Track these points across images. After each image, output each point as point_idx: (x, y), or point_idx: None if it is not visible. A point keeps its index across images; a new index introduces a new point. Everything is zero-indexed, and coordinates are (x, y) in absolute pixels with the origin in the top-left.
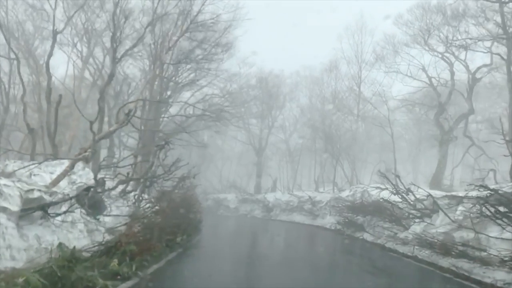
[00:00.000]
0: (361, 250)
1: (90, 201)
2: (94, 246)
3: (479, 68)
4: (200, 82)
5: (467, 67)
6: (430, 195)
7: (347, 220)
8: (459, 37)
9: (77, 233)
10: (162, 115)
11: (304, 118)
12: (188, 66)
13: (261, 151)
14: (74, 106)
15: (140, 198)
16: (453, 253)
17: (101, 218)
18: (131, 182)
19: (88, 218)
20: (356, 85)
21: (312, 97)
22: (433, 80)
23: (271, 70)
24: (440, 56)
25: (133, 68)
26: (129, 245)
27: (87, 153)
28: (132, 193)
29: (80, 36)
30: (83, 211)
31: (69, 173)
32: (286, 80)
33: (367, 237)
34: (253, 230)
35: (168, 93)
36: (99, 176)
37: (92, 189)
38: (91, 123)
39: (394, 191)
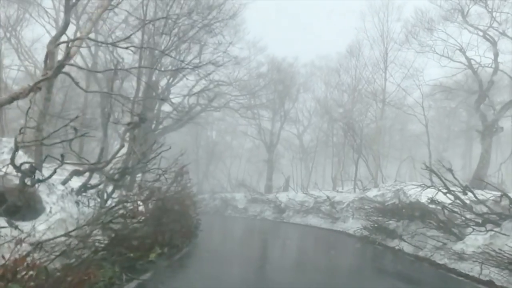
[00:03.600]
0: (408, 269)
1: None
2: None
3: None
4: (204, 63)
5: None
6: (505, 194)
7: (376, 225)
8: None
9: None
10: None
11: (320, 110)
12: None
13: (273, 147)
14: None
15: (105, 195)
16: None
17: (30, 225)
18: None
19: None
20: (382, 69)
21: (329, 85)
22: (472, 62)
23: (285, 58)
24: (481, 34)
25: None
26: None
27: None
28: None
29: None
30: None
31: None
32: (300, 70)
33: (405, 247)
34: (262, 237)
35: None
36: (33, 162)
37: None
38: None
39: (445, 190)
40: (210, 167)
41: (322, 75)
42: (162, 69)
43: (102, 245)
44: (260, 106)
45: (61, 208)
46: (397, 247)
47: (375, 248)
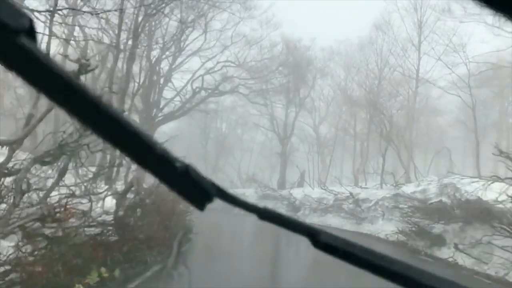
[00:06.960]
0: None
1: None
2: None
3: None
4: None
5: None
6: None
7: (415, 228)
8: None
9: None
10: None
11: (340, 97)
12: None
13: (286, 140)
14: None
15: (24, 186)
16: None
17: None
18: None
19: None
20: (415, 46)
21: (351, 67)
22: None
23: (300, 39)
24: None
25: None
26: None
27: None
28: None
29: None
30: None
31: None
32: (317, 54)
33: (462, 259)
34: (273, 242)
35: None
36: None
37: None
38: None
39: None
40: (220, 161)
41: (341, 61)
42: None
43: None
44: (273, 91)
45: None
46: (450, 259)
47: (422, 260)
